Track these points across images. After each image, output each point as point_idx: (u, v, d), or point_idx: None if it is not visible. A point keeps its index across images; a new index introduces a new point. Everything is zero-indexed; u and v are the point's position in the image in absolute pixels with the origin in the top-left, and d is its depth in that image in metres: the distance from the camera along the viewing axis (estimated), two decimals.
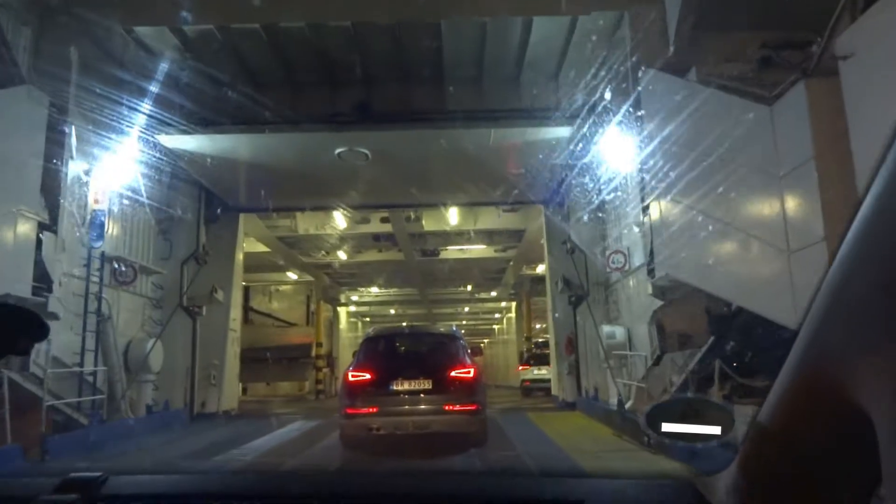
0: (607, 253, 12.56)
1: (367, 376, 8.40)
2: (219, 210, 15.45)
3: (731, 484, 1.20)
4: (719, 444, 1.41)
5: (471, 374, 8.57)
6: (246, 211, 16.36)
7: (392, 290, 33.20)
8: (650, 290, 9.47)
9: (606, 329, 12.47)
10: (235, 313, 16.12)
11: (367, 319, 44.62)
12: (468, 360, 8.93)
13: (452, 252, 23.10)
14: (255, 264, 23.64)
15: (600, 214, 13.77)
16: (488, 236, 21.53)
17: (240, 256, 16.59)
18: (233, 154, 12.60)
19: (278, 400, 29.23)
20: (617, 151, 11.10)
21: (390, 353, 9.27)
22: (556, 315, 15.24)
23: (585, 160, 12.28)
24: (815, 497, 0.99)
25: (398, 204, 16.52)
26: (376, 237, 20.90)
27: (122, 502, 1.45)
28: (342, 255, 22.89)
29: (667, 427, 1.43)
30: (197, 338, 14.06)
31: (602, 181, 12.69)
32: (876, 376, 0.73)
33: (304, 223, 19.08)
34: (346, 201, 15.70)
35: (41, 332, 1.40)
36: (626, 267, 12.18)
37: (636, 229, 11.40)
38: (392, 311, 40.84)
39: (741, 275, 7.28)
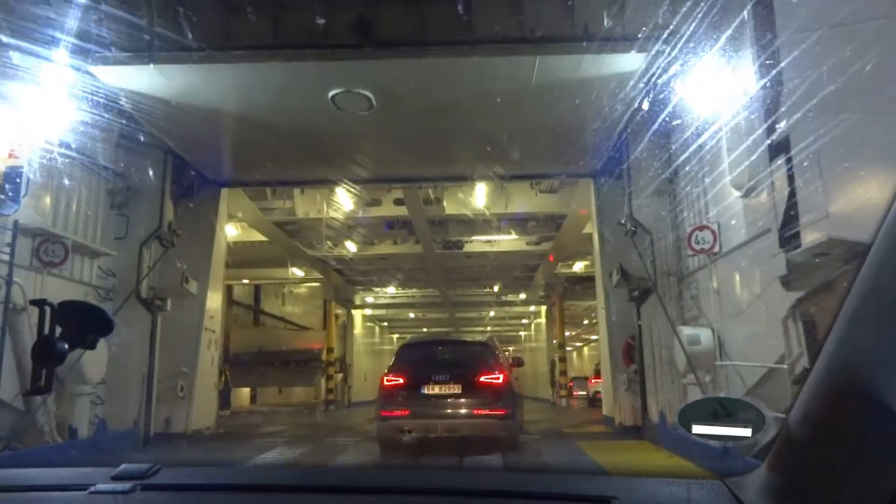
0: (688, 231, 9.41)
1: (401, 380, 8.92)
2: (194, 182, 12.60)
3: (762, 484, 1.22)
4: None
5: (500, 380, 8.85)
6: (229, 185, 13.46)
7: (411, 292, 30.24)
8: (781, 269, 6.31)
9: (687, 332, 9.30)
10: (215, 310, 13.20)
11: (385, 324, 41.75)
12: (499, 367, 9.15)
13: (478, 244, 20.03)
14: (253, 258, 20.89)
15: (677, 181, 10.64)
16: (521, 224, 18.42)
17: (222, 242, 13.69)
18: (197, 98, 9.67)
19: (286, 410, 26.44)
20: (714, 84, 8.02)
21: (424, 359, 9.56)
22: (611, 315, 12.08)
23: (661, 103, 9.18)
24: (843, 498, 0.99)
25: (413, 177, 13.49)
26: (389, 224, 17.92)
27: (175, 492, 1.48)
28: (351, 246, 19.91)
29: (698, 428, 1.43)
30: (157, 338, 11.13)
31: (685, 133, 9.59)
32: None
33: (304, 205, 16.15)
34: (350, 173, 12.70)
35: (107, 328, 1.53)
36: (716, 248, 9.04)
37: (736, 193, 8.28)
38: (411, 315, 37.89)
39: None
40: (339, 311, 31.82)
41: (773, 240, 6.83)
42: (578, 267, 23.34)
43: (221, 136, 11.34)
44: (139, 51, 8.51)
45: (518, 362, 12.74)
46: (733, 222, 8.65)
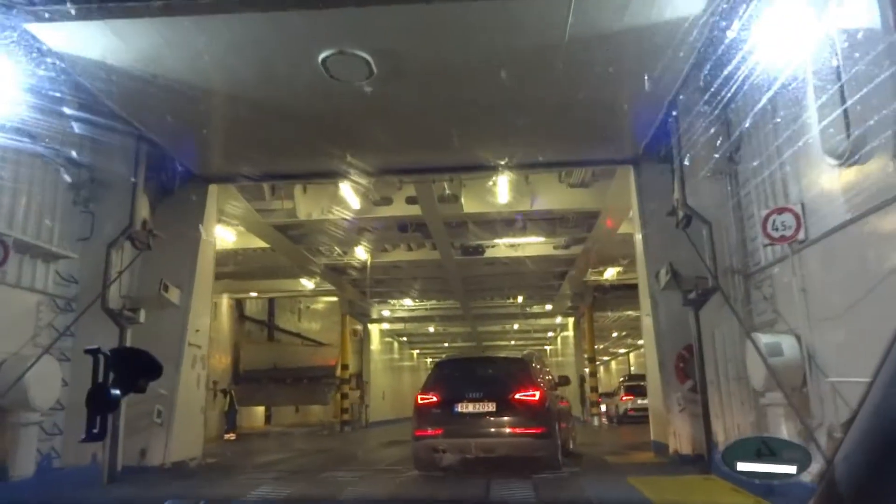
0: (762, 215, 7.58)
1: (434, 399, 8.93)
2: (175, 176, 11.04)
3: None
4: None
5: (536, 398, 8.73)
6: (217, 181, 11.88)
7: (429, 304, 28.53)
8: None
9: (766, 340, 7.44)
10: (202, 323, 11.59)
11: (404, 339, 40.08)
12: (535, 384, 9.04)
13: (501, 249, 18.26)
14: (258, 268, 19.39)
15: (740, 158, 8.82)
16: (548, 225, 16.62)
17: (210, 246, 12.11)
18: (164, 67, 8.07)
19: (299, 432, 24.86)
20: (802, 23, 6.27)
21: (458, 377, 9.63)
22: (659, 323, 10.26)
23: (725, 58, 7.41)
24: None
25: (424, 168, 11.77)
26: (403, 227, 16.21)
27: None
28: (362, 253, 18.24)
29: (742, 465, 1.44)
30: None
31: (754, 95, 7.81)
32: None
33: (306, 205, 14.53)
34: (353, 164, 11.08)
35: (156, 372, 1.63)
36: (801, 234, 7.21)
37: (831, 162, 6.47)
38: (431, 329, 36.11)
39: None
40: (357, 327, 30.25)
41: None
42: (610, 274, 21.47)
43: (201, 119, 9.74)
44: (83, 2, 6.95)
45: (564, 380, 11.98)
46: (825, 200, 6.82)
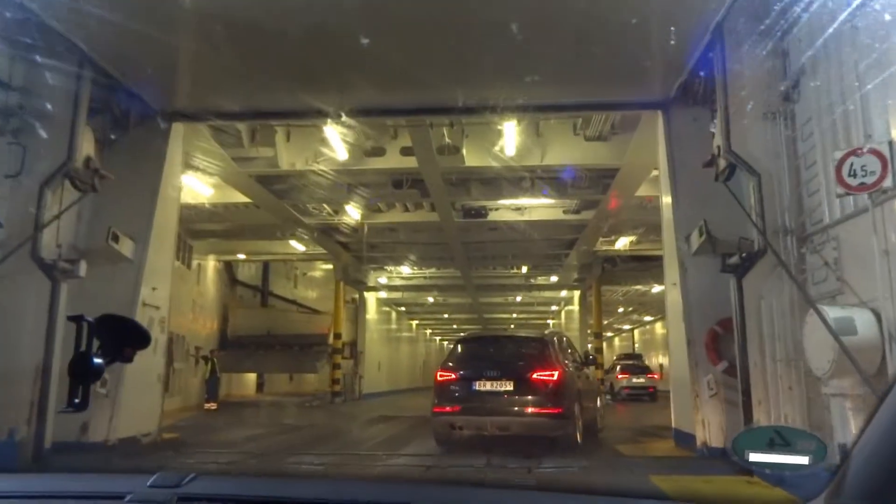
0: (836, 158, 6.03)
1: (453, 376, 9.11)
2: (129, 111, 9.56)
3: None
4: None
5: (554, 377, 8.70)
6: (182, 118, 10.32)
7: (429, 272, 27.14)
8: None
9: (834, 315, 5.95)
10: (162, 280, 10.15)
11: (402, 309, 38.79)
12: (554, 364, 8.95)
13: (505, 213, 16.73)
14: (242, 226, 17.96)
15: (799, 94, 7.25)
16: (559, 187, 15.02)
17: (173, 194, 10.62)
18: None
19: (289, 402, 23.73)
20: None
21: (477, 354, 9.70)
22: (688, 293, 8.78)
23: None
24: None
25: (420, 107, 10.15)
26: (397, 183, 14.65)
27: (212, 503, 1.41)
28: (354, 213, 16.73)
29: (754, 456, 1.38)
30: (59, 315, 8.02)
31: (822, 15, 6.24)
32: None
33: (290, 155, 12.99)
34: (338, 99, 9.55)
35: (144, 341, 1.56)
36: (887, 181, 5.68)
37: None
38: (430, 300, 34.73)
39: None
40: (355, 296, 28.93)
41: None
42: (622, 243, 19.98)
43: (153, 39, 8.11)
44: None
45: (592, 360, 11.80)
46: None
